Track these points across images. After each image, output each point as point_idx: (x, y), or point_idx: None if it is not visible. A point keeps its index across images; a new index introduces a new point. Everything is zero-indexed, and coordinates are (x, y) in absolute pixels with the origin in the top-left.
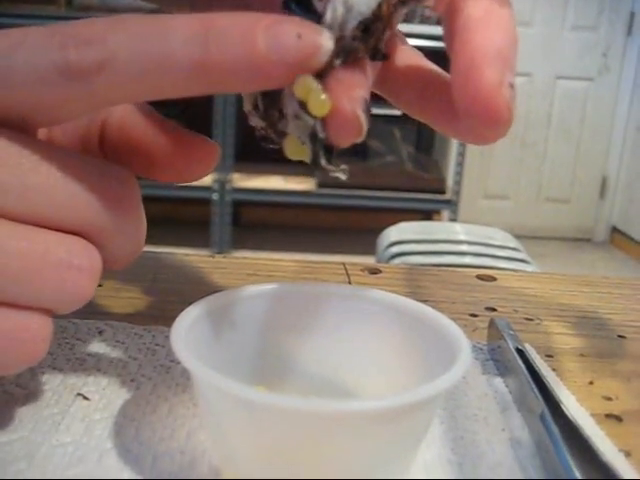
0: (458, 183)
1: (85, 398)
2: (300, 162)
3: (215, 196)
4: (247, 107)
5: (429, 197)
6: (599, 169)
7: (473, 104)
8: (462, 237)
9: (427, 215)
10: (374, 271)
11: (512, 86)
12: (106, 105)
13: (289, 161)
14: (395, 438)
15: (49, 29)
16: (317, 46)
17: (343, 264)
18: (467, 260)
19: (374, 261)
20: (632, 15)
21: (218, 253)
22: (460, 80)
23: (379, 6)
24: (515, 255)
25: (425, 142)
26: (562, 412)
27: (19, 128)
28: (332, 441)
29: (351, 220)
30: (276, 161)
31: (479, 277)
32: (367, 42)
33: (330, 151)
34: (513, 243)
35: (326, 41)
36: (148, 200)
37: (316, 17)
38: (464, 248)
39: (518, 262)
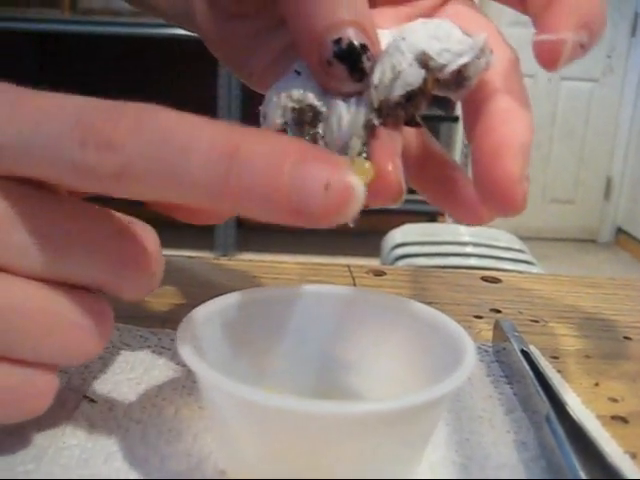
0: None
1: (91, 400)
2: None
3: None
4: (270, 125)
5: None
6: (604, 170)
7: (494, 193)
8: (467, 239)
9: (432, 217)
10: (379, 273)
11: (528, 179)
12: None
13: None
14: (401, 440)
15: (73, 111)
16: (345, 201)
17: (347, 266)
18: (472, 262)
19: (379, 263)
20: (636, 16)
21: (222, 255)
22: (483, 167)
23: (425, 80)
24: (520, 257)
25: None
26: (567, 414)
27: (39, 184)
28: (338, 443)
29: (356, 222)
30: None
31: (484, 279)
32: (407, 110)
33: None
34: (518, 244)
35: (357, 195)
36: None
37: (361, 75)
38: (469, 250)
39: (523, 264)
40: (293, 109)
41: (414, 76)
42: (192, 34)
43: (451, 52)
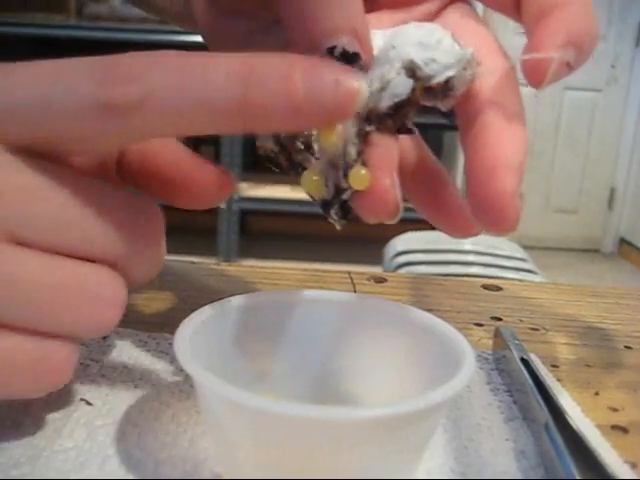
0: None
1: (88, 403)
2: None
3: (222, 205)
4: None
5: None
6: (607, 180)
7: (488, 210)
8: (469, 247)
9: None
10: (379, 280)
11: (522, 196)
12: (142, 139)
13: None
14: (398, 446)
15: (88, 63)
16: (354, 92)
17: (348, 273)
18: (474, 270)
19: (381, 271)
20: None
21: (225, 261)
22: (477, 184)
23: (413, 90)
24: (522, 266)
25: (433, 152)
26: (567, 423)
27: (52, 157)
28: (335, 448)
29: (358, 230)
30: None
31: (485, 287)
32: (395, 119)
33: (347, 210)
34: (520, 253)
35: (362, 87)
36: None
37: None
38: (471, 258)
39: (525, 273)
40: None
41: (402, 86)
42: (197, 41)
43: (438, 63)
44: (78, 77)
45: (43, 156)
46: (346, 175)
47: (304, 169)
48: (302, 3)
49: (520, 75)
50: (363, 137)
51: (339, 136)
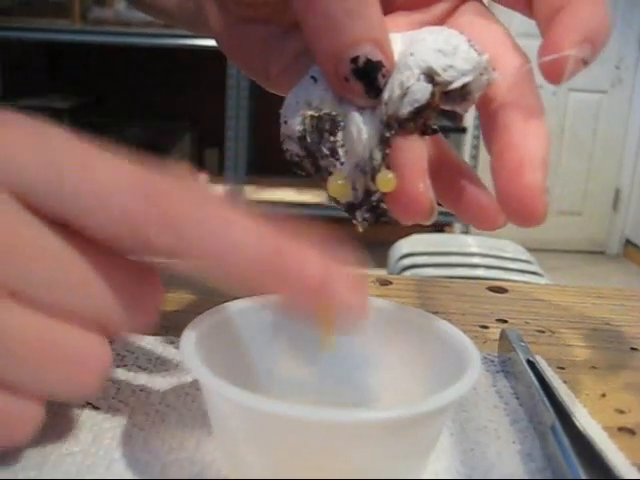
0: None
1: (94, 407)
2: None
3: None
4: (291, 131)
5: (441, 209)
6: (612, 181)
7: (518, 206)
8: (474, 249)
9: (439, 227)
10: (385, 282)
11: (547, 190)
12: None
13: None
14: (404, 449)
15: (139, 184)
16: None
17: None
18: (479, 272)
19: (386, 274)
20: None
21: None
22: (506, 182)
23: (432, 95)
24: (527, 268)
25: None
26: (573, 425)
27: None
28: (341, 451)
29: (363, 232)
30: (288, 174)
31: (490, 289)
32: (416, 122)
33: (379, 212)
34: (525, 256)
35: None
36: None
37: (377, 92)
38: (476, 260)
39: (530, 275)
40: (312, 117)
41: (421, 92)
42: (202, 44)
43: (456, 69)
44: (127, 200)
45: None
46: (373, 179)
47: (329, 174)
48: (324, 15)
49: (537, 72)
50: (386, 142)
51: (365, 141)
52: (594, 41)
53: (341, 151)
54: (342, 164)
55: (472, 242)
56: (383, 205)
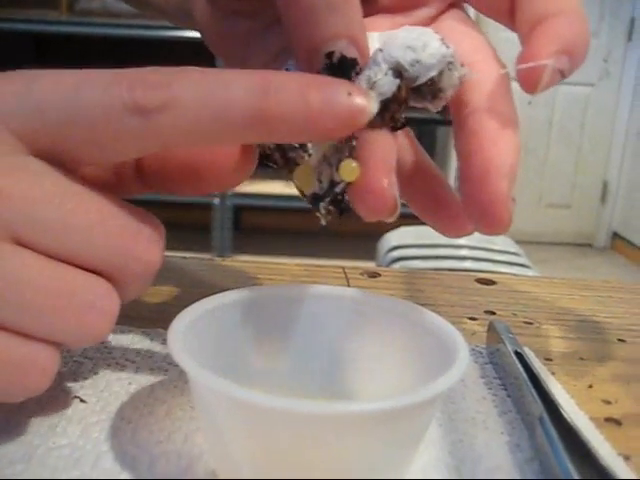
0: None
1: (82, 401)
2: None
3: (216, 201)
4: None
5: None
6: (600, 174)
7: (483, 213)
8: (462, 242)
9: None
10: (373, 275)
11: (514, 199)
12: (161, 148)
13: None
14: (392, 440)
15: (116, 73)
16: (365, 104)
17: (342, 268)
18: (467, 265)
19: (374, 266)
20: (632, 21)
21: (219, 257)
22: (472, 187)
23: (399, 89)
24: (516, 260)
25: (426, 148)
26: (561, 416)
27: (67, 165)
28: (329, 443)
29: (351, 225)
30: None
31: (478, 281)
32: (383, 116)
33: (343, 206)
34: (514, 248)
35: (372, 101)
36: (149, 205)
37: None
38: (464, 253)
39: (519, 267)
40: None
41: (388, 85)
42: (189, 36)
43: (422, 64)
44: (106, 82)
45: (58, 163)
46: (338, 169)
47: (296, 165)
48: (303, 8)
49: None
50: (352, 134)
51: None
52: (572, 53)
53: (309, 143)
54: (309, 156)
55: None
56: (347, 198)
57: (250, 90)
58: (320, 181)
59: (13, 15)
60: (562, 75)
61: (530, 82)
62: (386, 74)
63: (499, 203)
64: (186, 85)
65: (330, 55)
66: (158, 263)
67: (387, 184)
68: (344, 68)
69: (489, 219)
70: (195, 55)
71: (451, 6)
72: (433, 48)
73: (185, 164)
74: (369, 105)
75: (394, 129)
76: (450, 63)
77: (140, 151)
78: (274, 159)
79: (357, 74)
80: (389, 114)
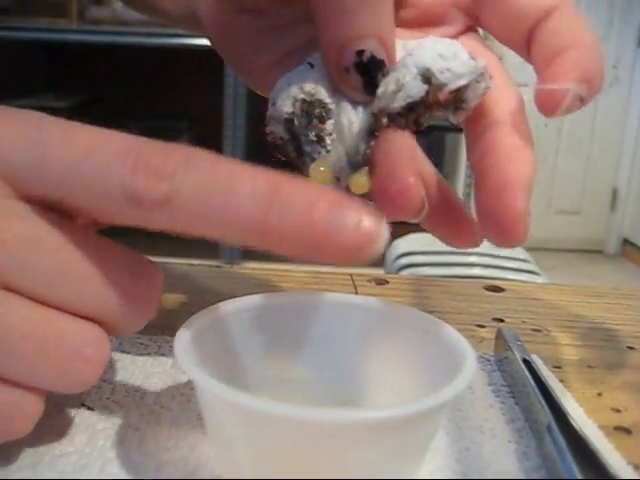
0: (468, 195)
1: (89, 408)
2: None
3: None
4: (278, 113)
5: None
6: (610, 181)
7: (500, 227)
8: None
9: None
10: (381, 282)
11: (529, 214)
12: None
13: (299, 171)
14: (399, 448)
15: (125, 142)
16: (373, 239)
17: (350, 275)
18: (476, 271)
19: (383, 273)
20: None
21: (228, 264)
22: (489, 202)
23: (427, 94)
24: (524, 267)
25: (435, 155)
26: (569, 424)
27: (62, 211)
28: (336, 451)
29: None
30: (287, 171)
31: (486, 288)
32: (408, 119)
33: None
34: (522, 255)
35: (383, 234)
36: None
37: (373, 89)
38: (473, 259)
39: (527, 274)
40: (303, 101)
41: (416, 89)
42: (198, 44)
43: (452, 72)
44: (112, 156)
45: (52, 208)
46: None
47: (312, 160)
48: (336, 4)
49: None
50: (372, 135)
51: (355, 134)
52: (592, 82)
53: (328, 139)
54: (328, 152)
55: None
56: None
57: (255, 199)
58: (338, 179)
59: (24, 24)
60: (581, 102)
61: (550, 104)
62: (415, 78)
63: (517, 218)
64: (190, 180)
65: (360, 53)
66: (155, 308)
67: (414, 181)
68: (372, 68)
69: (506, 233)
70: (205, 63)
71: (468, 29)
72: (463, 58)
73: None
74: (379, 236)
75: (415, 133)
76: (481, 74)
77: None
78: (285, 151)
79: (384, 75)
80: (414, 116)
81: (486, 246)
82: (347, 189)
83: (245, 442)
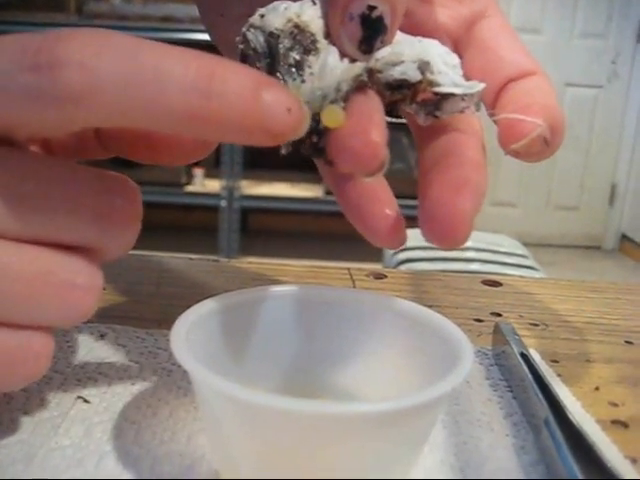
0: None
1: (85, 401)
2: (309, 168)
3: (223, 203)
4: (265, 25)
5: None
6: (608, 176)
7: (445, 227)
8: (469, 244)
9: None
10: (379, 276)
11: (474, 217)
12: (87, 127)
13: (297, 168)
14: (396, 441)
15: (20, 41)
16: (301, 121)
17: (348, 269)
18: (474, 267)
19: (381, 267)
20: None
21: (226, 259)
22: (434, 199)
23: (420, 82)
24: (523, 262)
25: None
26: (567, 418)
27: (12, 141)
28: (332, 444)
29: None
30: (284, 168)
31: (484, 282)
32: (393, 95)
33: (315, 147)
34: (521, 250)
35: (306, 116)
36: (157, 207)
37: (367, 49)
38: (471, 255)
39: (526, 269)
40: (297, 26)
41: (413, 72)
42: (198, 39)
43: (450, 78)
44: (8, 59)
45: (4, 142)
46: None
47: (284, 82)
48: None
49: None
50: (358, 84)
51: (337, 74)
52: (556, 132)
53: (307, 70)
54: (303, 82)
55: None
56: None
57: (190, 84)
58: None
59: (22, 18)
60: (545, 143)
61: (514, 134)
62: (414, 62)
63: (463, 219)
64: (111, 67)
65: (371, 9)
66: (137, 223)
67: (382, 141)
68: (376, 27)
69: (449, 234)
70: None
71: None
72: (461, 72)
73: (141, 134)
74: (304, 125)
75: (389, 114)
76: (471, 95)
77: (68, 132)
78: (252, 63)
79: (382, 42)
80: (397, 96)
81: (485, 241)
82: (312, 120)
83: (242, 434)
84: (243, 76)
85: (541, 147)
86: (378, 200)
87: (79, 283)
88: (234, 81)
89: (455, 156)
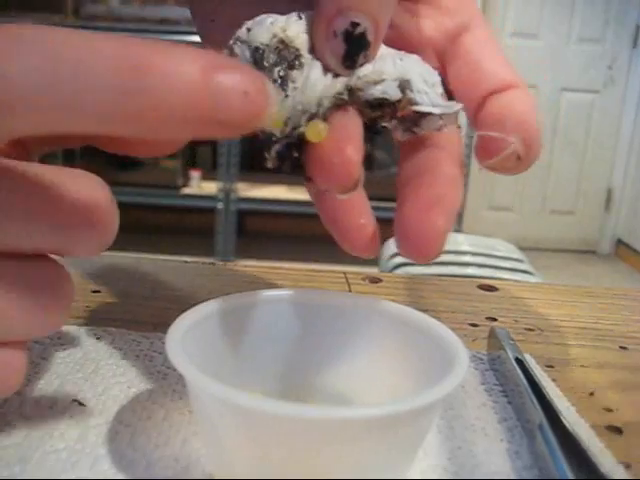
0: (462, 194)
1: (80, 404)
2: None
3: (220, 205)
4: (251, 39)
5: None
6: (604, 181)
7: (420, 242)
8: (465, 248)
9: None
10: (375, 280)
11: (447, 233)
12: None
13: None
14: (391, 446)
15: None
16: (263, 106)
17: (344, 273)
18: (470, 271)
19: (377, 271)
20: (638, 27)
21: (222, 262)
22: (416, 216)
23: (399, 102)
24: (519, 266)
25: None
26: (561, 423)
27: None
28: (327, 448)
29: None
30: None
31: (480, 287)
32: (373, 113)
33: (293, 161)
34: (517, 254)
35: (272, 103)
36: (153, 209)
37: (350, 65)
38: (467, 259)
39: (522, 273)
40: (282, 41)
41: (394, 92)
42: (195, 41)
43: (429, 97)
44: None
45: None
46: (305, 125)
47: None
48: None
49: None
50: (337, 101)
51: (319, 90)
52: (530, 148)
53: (291, 85)
54: (286, 96)
55: (464, 240)
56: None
57: (114, 85)
58: (286, 124)
59: (19, 20)
60: (518, 158)
61: (489, 151)
62: (395, 80)
63: (438, 236)
64: (25, 70)
65: (354, 25)
66: (102, 222)
67: (351, 151)
68: (358, 45)
69: (423, 249)
70: None
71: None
72: (439, 91)
73: None
74: (268, 109)
75: (369, 129)
76: (449, 115)
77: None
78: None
79: (365, 58)
80: (376, 114)
81: (481, 246)
82: (291, 132)
83: (236, 438)
84: (187, 61)
85: (515, 163)
86: (353, 210)
87: (45, 293)
88: (170, 68)
89: (430, 173)
